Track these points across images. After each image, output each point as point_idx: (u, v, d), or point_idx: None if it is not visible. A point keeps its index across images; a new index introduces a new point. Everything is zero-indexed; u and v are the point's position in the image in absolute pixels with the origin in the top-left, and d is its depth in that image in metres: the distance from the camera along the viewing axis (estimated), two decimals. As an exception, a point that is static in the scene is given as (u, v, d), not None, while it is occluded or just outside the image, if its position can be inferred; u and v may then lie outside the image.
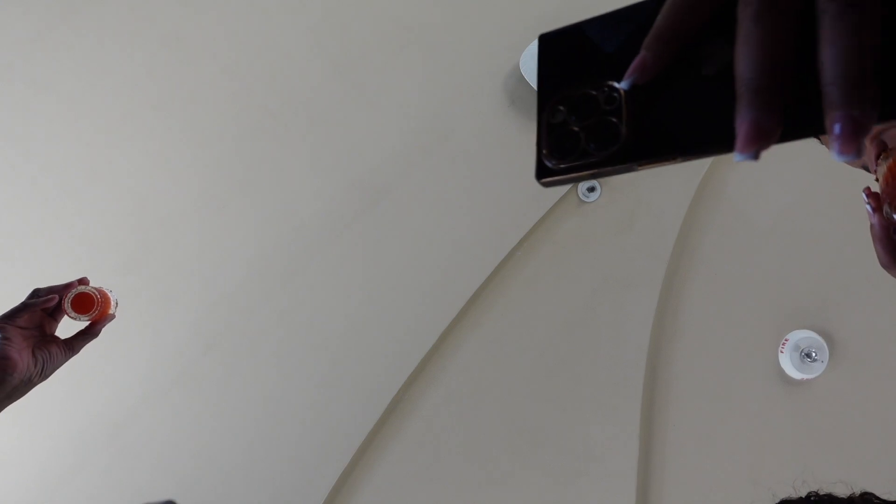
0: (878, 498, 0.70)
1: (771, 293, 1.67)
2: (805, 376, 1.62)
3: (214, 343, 1.63)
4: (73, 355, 0.86)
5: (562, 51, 0.39)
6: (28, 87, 1.61)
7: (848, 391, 1.64)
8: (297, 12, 1.68)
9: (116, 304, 0.87)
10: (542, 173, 0.36)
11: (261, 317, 1.64)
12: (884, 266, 0.71)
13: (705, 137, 0.32)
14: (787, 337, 1.64)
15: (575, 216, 1.71)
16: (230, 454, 1.63)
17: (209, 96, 1.66)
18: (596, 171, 0.35)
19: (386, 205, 1.67)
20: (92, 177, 1.64)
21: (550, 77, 0.38)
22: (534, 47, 1.67)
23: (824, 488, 0.69)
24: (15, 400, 0.77)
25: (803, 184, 1.68)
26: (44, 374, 0.84)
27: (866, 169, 0.70)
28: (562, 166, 0.36)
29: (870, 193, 0.71)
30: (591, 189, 1.70)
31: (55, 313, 0.84)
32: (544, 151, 0.36)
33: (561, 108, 0.37)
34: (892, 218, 0.65)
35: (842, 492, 0.69)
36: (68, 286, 0.82)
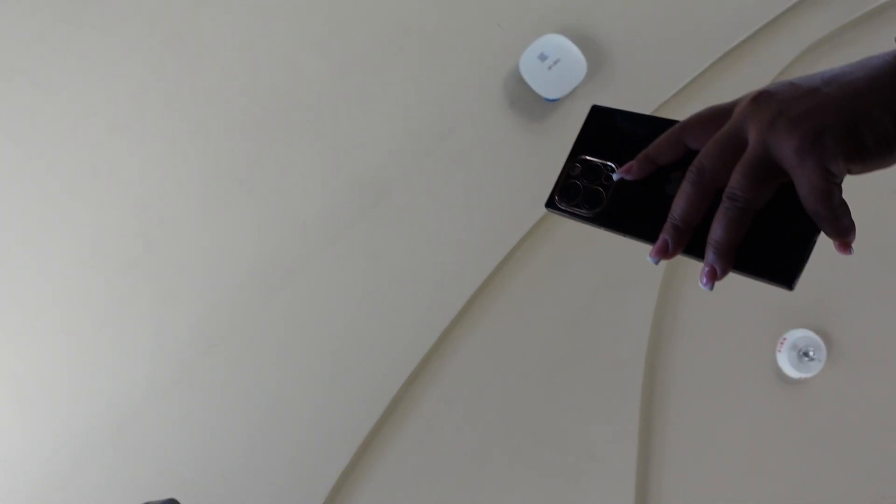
0: None
1: (769, 293, 1.68)
2: (803, 375, 1.63)
3: (216, 343, 1.63)
4: None
5: (599, 123, 0.53)
6: (31, 87, 1.62)
7: (845, 390, 1.65)
8: (299, 13, 1.68)
9: None
10: (549, 204, 0.53)
11: (262, 316, 1.65)
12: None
13: (643, 232, 0.47)
14: (784, 336, 1.65)
15: (574, 216, 1.71)
16: (231, 453, 1.63)
17: (211, 96, 1.66)
18: (579, 221, 0.51)
19: (386, 205, 1.67)
20: (94, 177, 1.64)
21: (584, 138, 0.53)
22: (534, 47, 1.69)
23: None
24: None
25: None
26: None
27: None
28: (561, 207, 0.52)
29: None
30: (591, 189, 1.71)
31: None
32: (556, 190, 0.52)
33: (578, 165, 0.52)
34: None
35: None
36: None
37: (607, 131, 0.52)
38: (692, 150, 0.47)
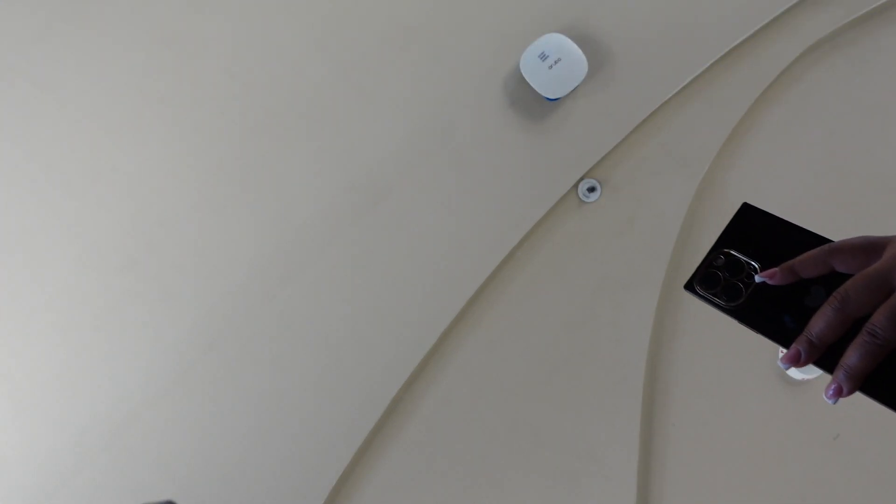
0: None
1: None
2: (805, 376, 1.62)
3: (215, 343, 1.63)
4: None
5: (748, 221, 0.57)
6: (29, 87, 1.62)
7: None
8: (298, 12, 1.68)
9: None
10: (689, 287, 0.58)
11: (261, 317, 1.64)
12: None
13: (777, 336, 0.51)
14: (787, 337, 1.64)
15: (575, 216, 1.71)
16: (230, 455, 1.63)
17: (210, 96, 1.66)
18: (714, 308, 0.55)
19: (386, 205, 1.67)
20: (93, 177, 1.64)
21: (731, 234, 0.57)
22: (534, 47, 1.68)
23: None
24: None
25: (802, 184, 1.68)
26: None
27: None
28: (699, 292, 0.57)
29: None
30: (592, 189, 1.70)
31: None
32: (698, 275, 0.57)
33: (722, 257, 0.56)
34: None
35: None
36: None
37: (754, 231, 0.56)
38: (836, 272, 0.51)
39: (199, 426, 1.63)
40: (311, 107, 1.68)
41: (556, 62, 1.62)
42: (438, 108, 1.69)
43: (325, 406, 1.65)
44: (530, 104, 1.69)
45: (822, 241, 0.54)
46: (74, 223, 1.63)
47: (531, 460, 1.66)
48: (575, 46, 1.63)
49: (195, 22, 1.66)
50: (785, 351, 0.51)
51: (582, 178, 1.70)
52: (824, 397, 0.50)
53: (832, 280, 0.50)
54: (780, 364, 0.52)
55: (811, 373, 1.62)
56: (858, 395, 0.53)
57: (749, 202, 0.58)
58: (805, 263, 0.52)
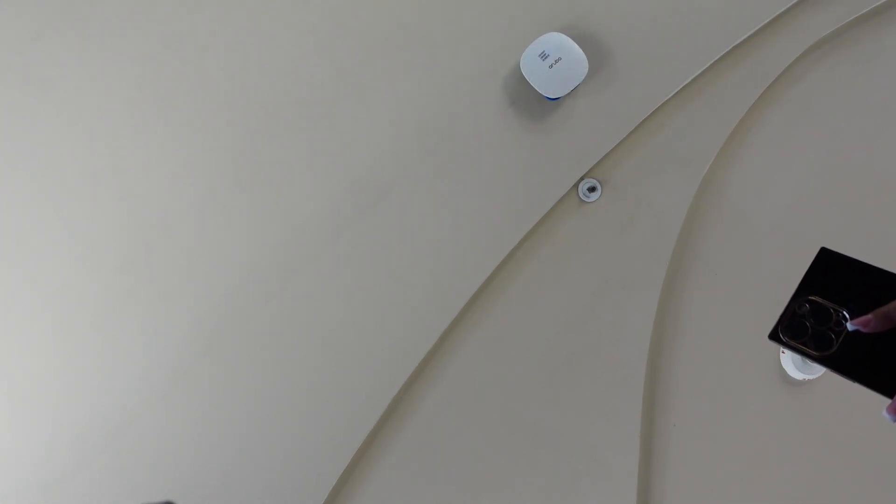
0: None
1: (771, 293, 1.67)
2: (806, 377, 1.62)
3: (213, 343, 1.63)
4: None
5: (830, 267, 0.55)
6: (27, 86, 1.61)
7: (848, 392, 1.63)
8: (297, 12, 1.68)
9: None
10: (773, 336, 0.55)
11: (260, 317, 1.64)
12: None
13: (877, 384, 0.49)
14: (787, 337, 1.64)
15: (575, 216, 1.71)
16: (230, 455, 1.62)
17: (209, 96, 1.66)
18: (804, 357, 0.53)
19: (385, 204, 1.66)
20: (91, 176, 1.63)
21: (812, 279, 0.56)
22: (534, 47, 1.68)
23: None
24: None
25: (803, 184, 1.68)
26: None
27: None
28: (785, 340, 0.55)
29: None
30: (592, 189, 1.70)
31: None
32: (782, 324, 0.55)
33: (807, 305, 0.55)
34: None
35: None
36: None
37: (837, 276, 0.55)
38: None
39: (199, 426, 1.63)
40: (310, 106, 1.68)
41: (556, 61, 1.62)
42: (438, 107, 1.68)
43: (325, 406, 1.65)
44: (530, 104, 1.68)
45: None
46: (72, 223, 1.63)
47: (531, 460, 1.66)
48: (575, 46, 1.62)
49: (194, 21, 1.66)
50: (889, 401, 0.50)
51: (582, 178, 1.69)
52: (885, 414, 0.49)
53: None
54: (885, 415, 0.50)
55: (812, 373, 1.61)
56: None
57: (826, 247, 0.57)
58: None
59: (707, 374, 1.67)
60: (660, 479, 1.65)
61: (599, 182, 1.70)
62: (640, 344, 1.65)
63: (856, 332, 0.52)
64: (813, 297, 0.55)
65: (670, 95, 1.68)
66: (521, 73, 1.63)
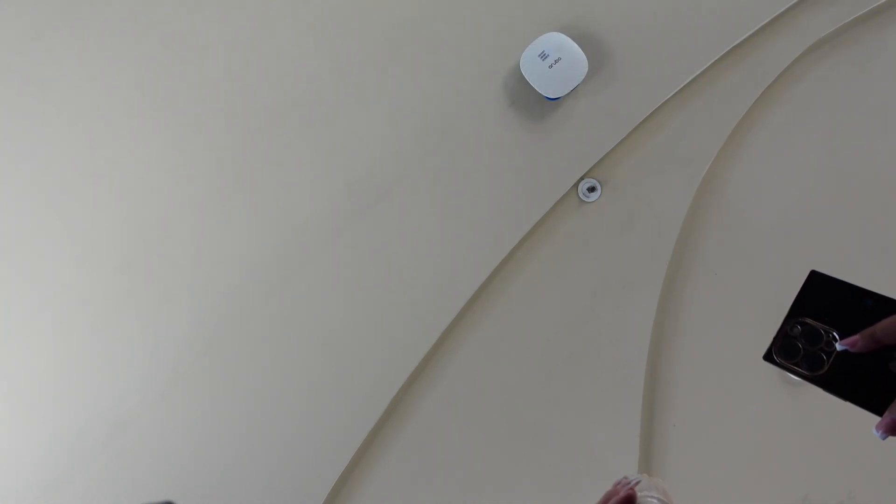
0: None
1: (771, 293, 1.67)
2: (806, 377, 1.62)
3: (213, 343, 1.63)
4: None
5: (820, 289, 0.57)
6: (27, 86, 1.61)
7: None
8: (297, 12, 1.68)
9: None
10: (767, 358, 0.57)
11: (259, 317, 1.64)
12: None
13: (867, 403, 0.50)
14: (787, 337, 1.64)
15: (575, 216, 1.71)
16: (230, 455, 1.62)
17: (209, 96, 1.66)
18: (797, 376, 0.54)
19: (385, 204, 1.66)
20: (91, 176, 1.63)
21: (804, 302, 0.57)
22: (534, 46, 1.68)
23: None
24: None
25: (803, 183, 1.68)
26: None
27: None
28: (779, 362, 0.56)
29: None
30: (592, 189, 1.70)
31: None
32: (776, 345, 0.57)
33: (799, 327, 0.56)
34: None
35: None
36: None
37: (827, 298, 0.57)
38: None
39: (199, 426, 1.63)
40: (310, 106, 1.68)
41: (556, 61, 1.62)
42: (438, 107, 1.68)
43: (324, 406, 1.65)
44: (530, 104, 1.68)
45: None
46: (72, 223, 1.63)
47: (531, 460, 1.66)
48: (575, 46, 1.62)
49: (193, 21, 1.66)
50: (879, 418, 0.51)
51: (582, 178, 1.69)
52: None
53: None
54: (875, 433, 0.53)
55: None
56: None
57: (816, 269, 0.59)
58: (887, 330, 0.52)
59: (707, 374, 1.67)
60: (659, 478, 1.65)
61: (599, 182, 1.70)
62: (640, 344, 1.65)
63: (845, 352, 0.54)
64: (804, 319, 0.57)
65: (670, 95, 1.68)
66: (521, 73, 1.63)
